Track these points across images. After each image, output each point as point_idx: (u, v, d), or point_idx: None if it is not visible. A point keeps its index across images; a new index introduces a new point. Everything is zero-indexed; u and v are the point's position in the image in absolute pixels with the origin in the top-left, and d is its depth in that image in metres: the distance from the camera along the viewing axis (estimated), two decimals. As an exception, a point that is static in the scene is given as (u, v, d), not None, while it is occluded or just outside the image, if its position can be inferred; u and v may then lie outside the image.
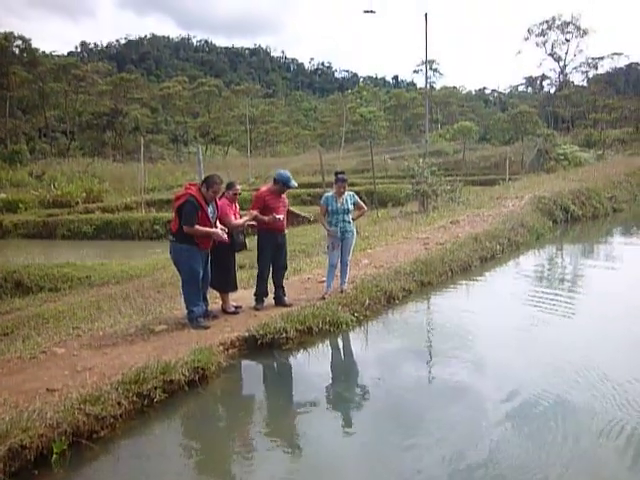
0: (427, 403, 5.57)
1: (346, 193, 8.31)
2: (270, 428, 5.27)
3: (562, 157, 31.86)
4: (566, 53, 65.78)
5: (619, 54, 66.32)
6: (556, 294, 9.34)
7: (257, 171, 36.90)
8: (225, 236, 7.05)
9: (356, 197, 8.46)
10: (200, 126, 51.94)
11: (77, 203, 26.68)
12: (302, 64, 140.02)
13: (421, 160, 21.61)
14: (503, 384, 5.84)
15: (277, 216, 7.61)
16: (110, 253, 18.43)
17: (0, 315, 11.55)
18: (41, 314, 10.79)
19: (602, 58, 66.34)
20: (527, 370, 6.20)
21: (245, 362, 6.57)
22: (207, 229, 6.92)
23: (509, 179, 25.44)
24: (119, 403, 4.99)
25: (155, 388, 5.31)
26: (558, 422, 4.99)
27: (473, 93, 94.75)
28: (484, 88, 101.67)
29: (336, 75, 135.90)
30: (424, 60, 68.34)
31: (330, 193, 8.39)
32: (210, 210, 7.00)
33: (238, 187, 7.80)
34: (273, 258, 7.85)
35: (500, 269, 11.29)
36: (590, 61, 65.83)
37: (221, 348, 6.46)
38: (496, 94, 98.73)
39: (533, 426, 4.93)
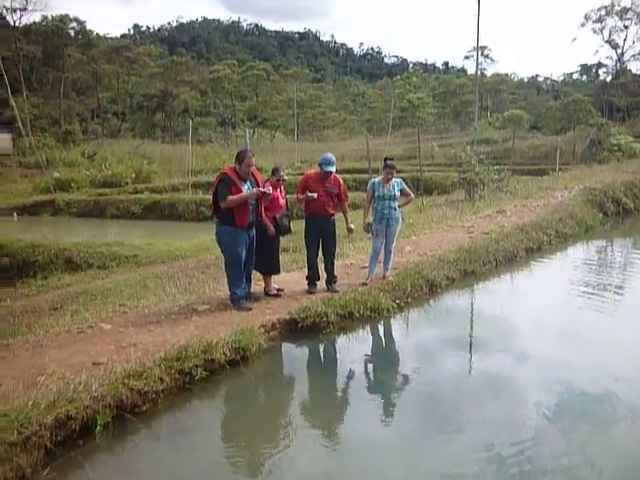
0: (466, 395, 5.50)
1: (393, 179, 8.25)
2: (308, 412, 5.31)
3: (616, 148, 30.92)
4: (624, 40, 63.56)
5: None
6: (604, 289, 9.14)
7: (303, 156, 36.97)
8: (255, 192, 6.89)
9: (403, 184, 8.39)
10: (248, 110, 52.23)
11: (127, 183, 27.25)
12: (351, 49, 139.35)
13: (468, 148, 21.32)
14: (545, 378, 5.75)
15: (310, 194, 7.56)
16: (157, 233, 18.77)
17: (51, 290, 11.94)
18: (89, 291, 11.10)
19: (662, 45, 63.93)
20: (570, 365, 6.09)
21: (286, 344, 6.63)
22: (241, 194, 6.83)
23: (559, 169, 24.83)
24: (161, 379, 5.10)
25: (196, 366, 5.40)
26: (600, 420, 4.90)
27: (525, 81, 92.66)
28: (537, 76, 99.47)
29: (385, 60, 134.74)
30: (475, 46, 67.18)
31: (377, 179, 8.34)
32: (246, 188, 6.95)
33: (282, 173, 7.81)
34: (320, 243, 7.86)
35: (546, 261, 11.07)
36: (649, 48, 63.49)
37: (262, 330, 6.52)
38: (549, 82, 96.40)
39: (575, 423, 4.86)
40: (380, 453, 4.45)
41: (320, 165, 7.77)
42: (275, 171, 7.78)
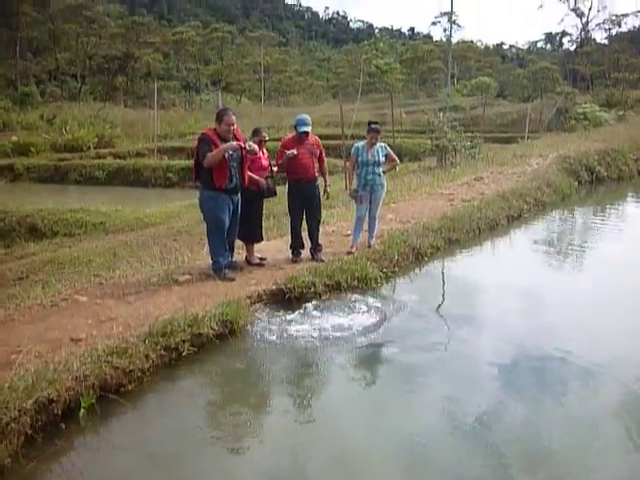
0: (437, 362, 5.50)
1: (378, 144, 7.92)
2: (296, 385, 5.07)
3: (582, 117, 31.07)
4: (589, 9, 63.69)
5: (645, 11, 64.26)
6: (583, 255, 9.11)
7: (270, 121, 36.19)
8: (235, 144, 6.48)
9: (388, 149, 8.06)
10: (213, 73, 50.85)
11: (89, 148, 26.27)
12: (316, 13, 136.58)
13: (441, 115, 21.07)
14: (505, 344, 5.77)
15: (288, 152, 7.18)
16: (123, 199, 18.09)
17: (15, 259, 11.36)
18: (56, 259, 10.62)
19: (626, 15, 64.16)
20: (530, 329, 6.17)
21: (273, 316, 6.30)
22: (219, 148, 6.40)
23: (528, 137, 24.84)
24: (147, 356, 4.77)
25: (183, 341, 5.08)
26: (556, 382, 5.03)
27: (490, 48, 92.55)
28: (502, 43, 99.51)
29: (351, 25, 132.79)
30: (442, 12, 66.73)
31: (361, 143, 8.00)
32: None
33: (264, 134, 7.42)
34: (304, 210, 7.52)
35: (527, 229, 10.96)
36: (614, 18, 63.68)
37: (248, 301, 6.21)
38: (514, 50, 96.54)
39: (530, 382, 5.03)
40: (354, 416, 4.47)
41: (295, 127, 7.39)
42: (256, 132, 7.37)
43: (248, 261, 7.43)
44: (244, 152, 6.61)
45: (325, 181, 7.66)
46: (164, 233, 12.35)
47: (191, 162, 22.59)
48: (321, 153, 7.49)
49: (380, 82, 49.95)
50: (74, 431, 4.10)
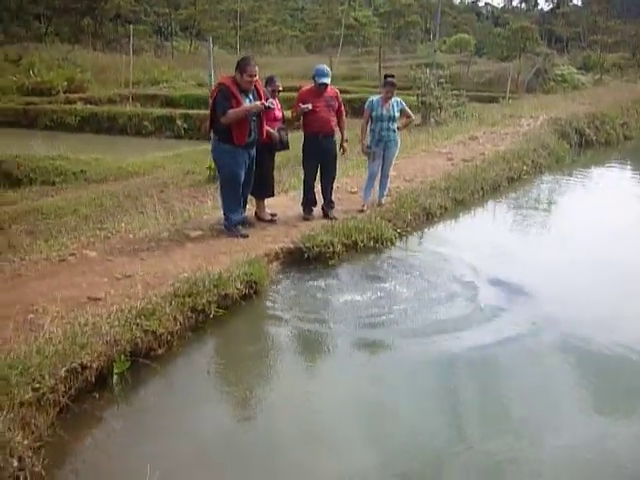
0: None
1: (393, 99, 7.56)
2: (327, 350, 4.84)
3: (560, 78, 30.97)
4: (567, -32, 63.21)
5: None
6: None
7: (246, 71, 35.11)
8: (259, 105, 6.08)
9: (403, 104, 7.71)
10: (185, 19, 48.96)
11: (58, 92, 25.11)
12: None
13: (427, 70, 20.65)
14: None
15: (303, 105, 6.78)
16: (98, 148, 17.33)
17: (-6, 207, 10.77)
18: (38, 209, 10.14)
19: (603, -24, 63.86)
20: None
21: (295, 276, 6.00)
22: (241, 107, 5.99)
23: (509, 98, 24.61)
24: (175, 318, 4.44)
25: (209, 303, 4.76)
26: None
27: (466, 4, 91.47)
28: (477, 0, 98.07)
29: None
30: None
31: (376, 97, 7.63)
32: (247, 101, 6.10)
33: (278, 82, 6.98)
34: (319, 164, 7.15)
35: (528, 191, 10.81)
36: (591, -22, 63.21)
37: (266, 260, 5.90)
38: (489, 8, 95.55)
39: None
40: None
41: (314, 77, 6.95)
42: (270, 80, 6.94)
43: (258, 217, 7.08)
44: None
45: (342, 136, 7.28)
46: (149, 183, 11.91)
47: (167, 111, 22.33)
48: (340, 106, 7.10)
49: (358, 35, 48.89)
50: (106, 399, 3.79)
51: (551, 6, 68.65)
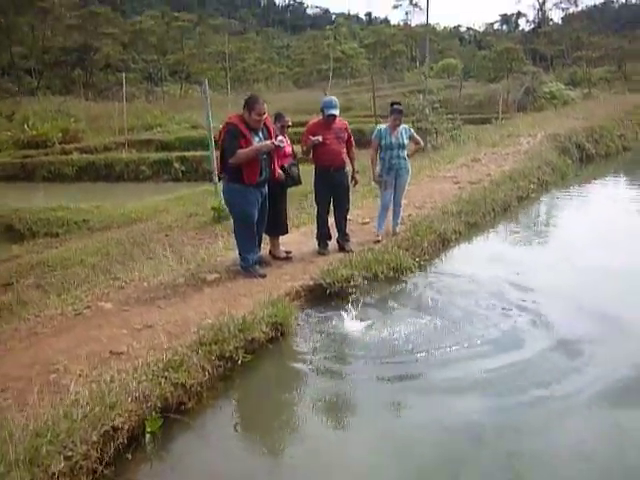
0: None
1: (401, 126, 7.47)
2: (354, 395, 4.56)
3: (549, 95, 31.16)
4: (547, -12, 64.28)
5: (599, -11, 64.95)
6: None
7: (237, 109, 35.30)
8: (270, 144, 5.95)
9: (412, 130, 7.62)
10: (174, 63, 49.45)
11: (54, 144, 25.12)
12: (272, 0, 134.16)
13: (421, 97, 20.76)
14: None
15: (314, 138, 6.67)
16: (97, 196, 17.26)
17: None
18: (44, 261, 9.98)
19: (583, -6, 65.18)
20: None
21: (318, 313, 5.79)
22: (251, 147, 5.85)
23: (502, 118, 24.73)
24: (203, 368, 4.23)
25: (237, 349, 4.56)
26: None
27: (448, 31, 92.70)
28: (459, 26, 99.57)
29: (308, 12, 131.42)
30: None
31: (383, 126, 7.54)
32: (257, 140, 5.98)
33: (287, 118, 6.88)
34: (332, 198, 7.01)
35: (537, 209, 10.69)
36: (571, -3, 64.39)
37: (287, 299, 5.70)
38: (471, 32, 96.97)
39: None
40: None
41: (322, 109, 6.86)
42: (279, 117, 6.83)
43: (273, 255, 6.91)
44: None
45: (353, 167, 7.16)
46: (154, 228, 11.74)
47: (163, 154, 22.32)
48: (349, 137, 6.98)
49: (346, 67, 49.44)
50: (140, 460, 3.56)
51: (532, 26, 69.55)
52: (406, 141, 7.47)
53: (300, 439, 3.97)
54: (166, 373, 3.97)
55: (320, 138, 6.64)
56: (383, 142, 7.40)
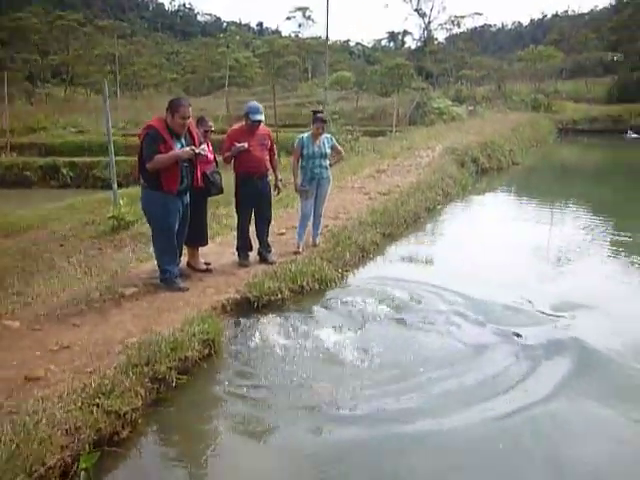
0: None
1: (323, 135, 7.33)
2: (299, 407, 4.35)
3: (437, 111, 32.45)
4: (431, 9, 66.91)
5: (479, 14, 68.78)
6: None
7: (127, 115, 34.01)
8: (190, 151, 5.58)
9: (334, 140, 7.50)
10: (58, 64, 46.85)
11: None
12: (162, 4, 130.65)
13: (321, 107, 20.88)
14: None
15: (239, 144, 6.41)
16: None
17: None
18: None
19: (464, 17, 68.53)
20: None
21: (247, 328, 5.49)
22: (170, 153, 5.48)
23: (395, 131, 25.45)
24: (136, 392, 3.85)
25: (170, 369, 4.21)
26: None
27: (338, 44, 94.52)
28: (348, 40, 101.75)
29: (199, 18, 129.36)
30: (298, 7, 67.19)
31: (305, 135, 7.36)
32: (179, 146, 5.61)
33: (210, 123, 6.56)
34: (253, 208, 6.74)
35: (443, 219, 10.92)
36: (453, 19, 67.42)
37: (213, 314, 5.38)
38: (360, 47, 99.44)
39: None
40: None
41: (247, 115, 6.54)
42: (201, 121, 6.49)
43: (192, 267, 6.54)
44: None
45: (276, 175, 6.93)
46: (47, 238, 10.89)
47: (50, 159, 20.99)
48: (272, 145, 6.75)
49: (239, 76, 49.01)
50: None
51: (418, 44, 72.27)
52: (328, 150, 7.34)
53: (233, 468, 3.68)
54: (97, 400, 3.57)
55: (246, 145, 6.37)
56: (305, 151, 7.23)
